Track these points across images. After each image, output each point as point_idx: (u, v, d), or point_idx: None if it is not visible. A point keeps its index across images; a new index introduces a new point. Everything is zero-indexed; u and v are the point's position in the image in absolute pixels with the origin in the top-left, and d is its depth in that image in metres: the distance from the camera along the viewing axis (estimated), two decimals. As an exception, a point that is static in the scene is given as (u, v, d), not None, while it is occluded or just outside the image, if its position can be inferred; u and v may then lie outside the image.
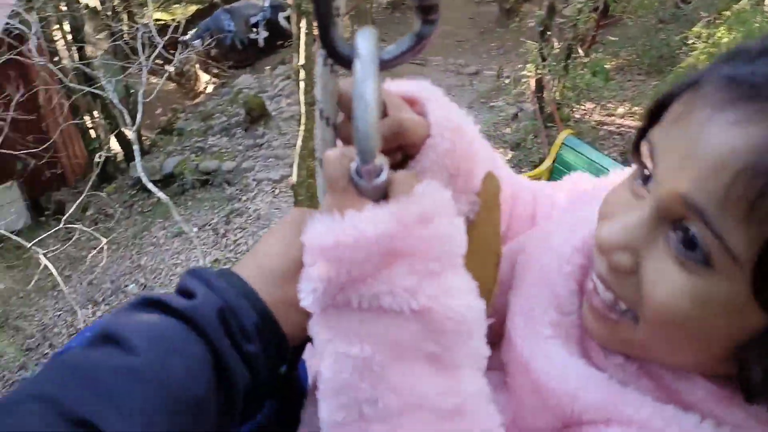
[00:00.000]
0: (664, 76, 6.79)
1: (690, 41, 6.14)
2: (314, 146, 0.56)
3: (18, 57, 6.01)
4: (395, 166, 0.59)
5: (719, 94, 0.44)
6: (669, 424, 0.48)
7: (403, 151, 0.60)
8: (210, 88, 11.80)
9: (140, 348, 0.45)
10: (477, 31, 11.17)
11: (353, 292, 0.46)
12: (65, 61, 7.95)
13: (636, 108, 6.67)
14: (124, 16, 9.71)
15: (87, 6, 10.62)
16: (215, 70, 11.72)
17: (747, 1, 5.61)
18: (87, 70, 6.58)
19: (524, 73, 7.04)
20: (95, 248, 6.98)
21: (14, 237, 4.27)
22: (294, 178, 3.07)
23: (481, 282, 0.50)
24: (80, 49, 7.84)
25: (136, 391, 0.43)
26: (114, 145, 8.93)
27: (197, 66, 12.09)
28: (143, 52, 5.22)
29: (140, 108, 4.92)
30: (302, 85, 2.73)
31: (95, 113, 8.77)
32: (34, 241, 4.47)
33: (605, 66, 6.23)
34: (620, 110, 6.94)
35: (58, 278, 4.16)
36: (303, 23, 2.61)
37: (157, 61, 5.59)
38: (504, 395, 0.59)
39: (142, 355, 0.45)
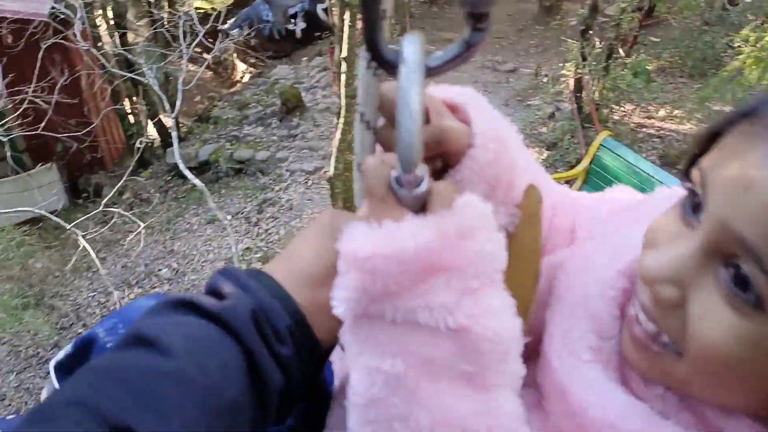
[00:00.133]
0: (707, 79, 6.62)
1: (736, 45, 5.97)
2: (354, 149, 0.55)
3: (62, 41, 6.13)
4: (434, 174, 0.58)
5: None
6: None
7: (443, 159, 0.59)
8: (246, 78, 11.90)
9: (175, 350, 0.45)
10: (515, 28, 11.03)
11: (388, 305, 0.45)
12: (107, 47, 8.09)
13: (677, 111, 6.52)
14: (165, 4, 9.84)
15: (130, -8, 10.79)
16: (252, 60, 11.81)
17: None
18: (129, 56, 6.69)
19: (563, 72, 6.94)
20: (130, 231, 7.12)
21: (54, 218, 4.37)
22: (331, 171, 3.07)
23: (519, 299, 0.49)
24: (122, 36, 7.97)
25: (173, 394, 0.43)
26: (151, 131, 9.07)
27: (234, 55, 12.20)
28: (184, 40, 5.28)
29: (179, 95, 4.99)
30: (343, 77, 2.73)
31: (134, 99, 8.91)
32: (74, 222, 4.56)
33: (647, 67, 6.10)
34: (661, 113, 6.80)
35: (96, 261, 4.25)
36: (347, 15, 2.60)
37: (196, 49, 5.66)
38: (537, 415, 0.58)
39: (178, 358, 0.45)
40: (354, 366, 0.47)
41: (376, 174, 0.47)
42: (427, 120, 0.55)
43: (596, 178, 5.60)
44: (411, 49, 0.46)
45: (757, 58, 5.15)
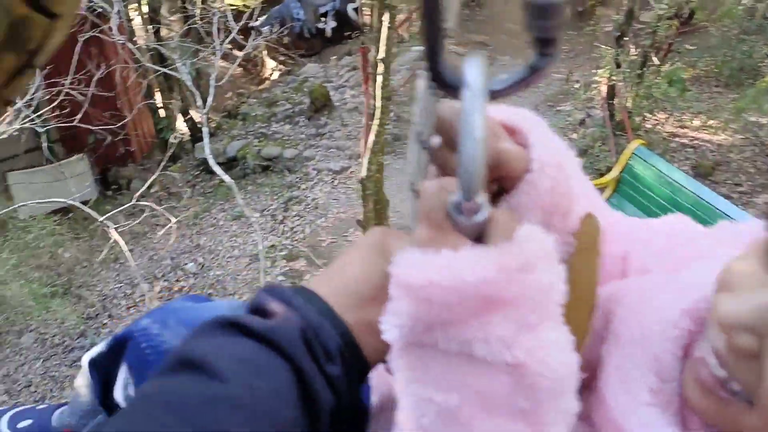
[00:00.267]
0: (744, 89, 6.50)
1: (776, 55, 5.86)
2: (408, 169, 0.55)
3: (99, 35, 6.21)
4: (489, 199, 0.57)
5: None
6: None
7: (498, 183, 0.58)
8: (275, 75, 11.97)
9: (226, 374, 0.44)
10: (547, 32, 10.93)
11: (442, 335, 0.44)
12: (141, 41, 8.18)
13: (712, 121, 6.41)
14: (198, 0, 9.93)
15: (165, -12, 10.91)
16: (281, 58, 11.87)
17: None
18: (164, 51, 6.77)
19: (595, 78, 6.86)
20: (157, 225, 7.21)
21: (88, 210, 4.43)
22: (363, 172, 3.07)
23: (574, 332, 0.48)
24: (156, 31, 8.06)
25: (228, 419, 0.43)
26: (180, 125, 9.17)
27: (264, 52, 12.28)
28: (218, 36, 5.33)
29: (212, 91, 5.03)
30: (380, 79, 2.72)
31: (166, 93, 9.01)
32: (106, 215, 4.62)
33: (682, 75, 6.00)
34: (695, 122, 6.68)
35: (128, 253, 4.30)
36: (386, 17, 2.59)
37: (227, 46, 5.70)
38: None
39: (230, 382, 0.44)
40: (404, 393, 0.46)
41: (434, 199, 0.46)
42: None
43: (627, 188, 5.52)
44: (474, 72, 0.45)
45: (797, 69, 5.03)
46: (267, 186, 7.63)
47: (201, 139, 7.84)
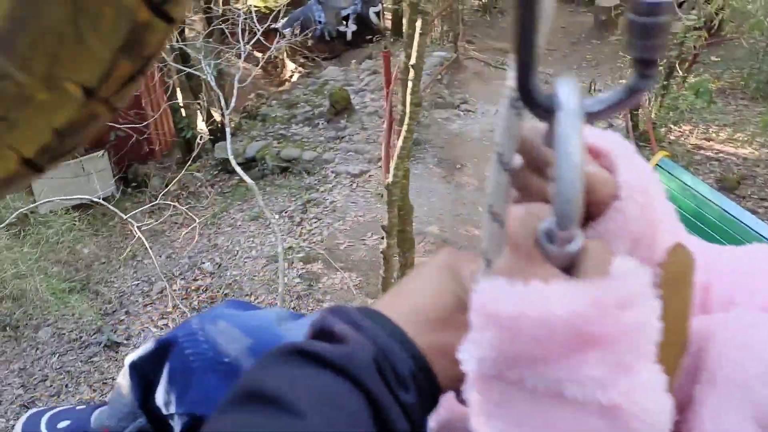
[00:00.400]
0: (771, 103, 6.43)
1: (805, 69, 5.77)
2: (488, 191, 0.52)
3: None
4: None
5: None
6: None
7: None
8: (295, 77, 12.01)
9: (302, 408, 0.43)
10: (569, 41, 10.89)
11: (529, 371, 0.41)
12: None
13: (738, 135, 6.33)
14: (221, 0, 9.99)
15: (188, -12, 10.97)
16: (301, 60, 11.91)
17: None
18: (189, 51, 6.80)
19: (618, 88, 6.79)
20: (175, 223, 7.24)
21: (111, 207, 4.45)
22: (390, 178, 3.05)
23: (665, 370, 0.45)
24: (181, 31, 8.11)
25: None
26: (200, 125, 9.21)
27: (285, 54, 12.33)
28: (243, 38, 5.34)
29: (235, 92, 5.04)
30: (410, 84, 2.70)
31: (187, 93, 9.06)
32: (131, 213, 4.65)
33: (709, 87, 5.94)
34: (721, 135, 6.60)
35: (150, 251, 4.32)
36: (419, 23, 2.57)
37: (249, 47, 5.72)
38: None
39: (306, 416, 0.42)
40: (483, 427, 0.44)
41: (523, 225, 0.44)
42: None
43: (650, 199, 5.46)
44: (568, 93, 0.42)
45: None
46: (285, 187, 7.63)
47: (220, 139, 7.88)
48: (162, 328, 6.26)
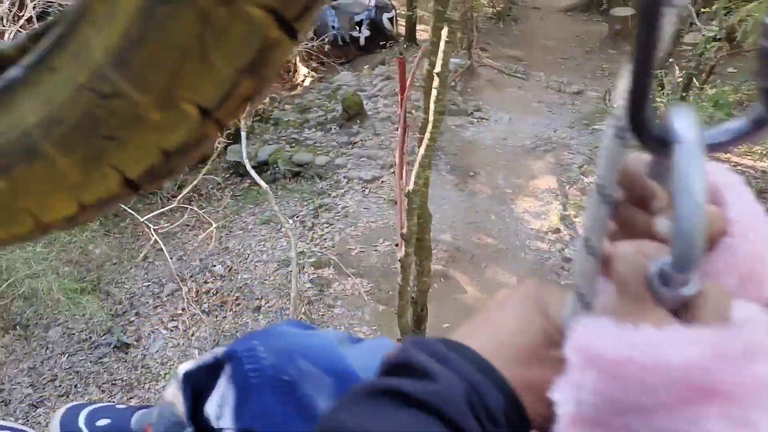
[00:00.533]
0: (789, 115, 6.36)
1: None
2: (585, 224, 0.49)
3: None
4: None
5: None
6: None
7: None
8: (307, 81, 12.02)
9: None
10: (583, 50, 10.86)
11: (639, 422, 0.38)
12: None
13: (757, 148, 6.28)
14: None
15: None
16: (314, 64, 11.93)
17: None
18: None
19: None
20: (187, 225, 7.23)
21: (129, 210, 4.45)
22: (411, 186, 3.03)
23: None
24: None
25: None
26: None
27: (297, 58, 12.35)
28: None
29: (251, 96, 5.03)
30: (434, 92, 2.67)
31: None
32: (147, 216, 4.64)
33: (728, 99, 5.90)
34: (739, 148, 6.56)
35: (167, 254, 4.30)
36: (444, 30, 2.55)
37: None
38: None
39: None
40: None
41: (633, 265, 0.41)
42: None
43: (667, 211, 5.42)
44: (687, 123, 0.39)
45: None
46: (297, 192, 7.62)
47: (233, 142, 7.87)
48: (172, 330, 6.25)
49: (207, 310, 6.29)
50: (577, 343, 0.40)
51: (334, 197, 7.37)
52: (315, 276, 6.37)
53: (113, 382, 5.90)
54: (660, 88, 5.77)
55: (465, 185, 7.46)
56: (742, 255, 0.49)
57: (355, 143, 8.33)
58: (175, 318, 6.34)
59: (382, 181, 7.50)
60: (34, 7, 4.41)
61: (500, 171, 7.69)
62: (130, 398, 5.66)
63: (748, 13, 6.03)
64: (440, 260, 6.13)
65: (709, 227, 0.48)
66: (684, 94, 5.79)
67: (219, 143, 8.91)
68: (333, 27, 12.17)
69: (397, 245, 6.10)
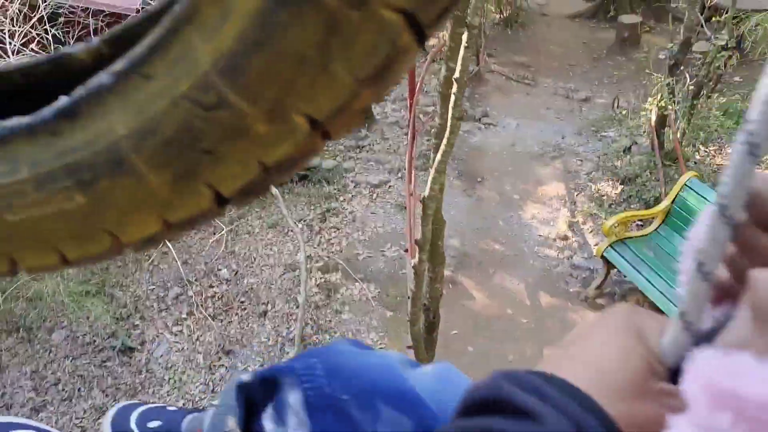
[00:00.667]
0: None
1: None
2: (696, 244, 0.45)
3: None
4: None
5: None
6: None
7: None
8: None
9: None
10: (590, 56, 10.83)
11: None
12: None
13: (765, 156, 6.26)
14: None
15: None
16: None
17: None
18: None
19: (644, 105, 6.74)
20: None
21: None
22: (427, 192, 3.00)
23: None
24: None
25: None
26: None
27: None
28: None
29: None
30: (453, 98, 2.65)
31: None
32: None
33: (738, 107, 5.87)
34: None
35: (176, 258, 4.27)
36: (465, 35, 2.53)
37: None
38: None
39: None
40: None
41: None
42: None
43: (677, 219, 5.40)
44: None
45: None
46: (304, 195, 7.58)
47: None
48: (176, 335, 6.20)
49: (212, 314, 6.25)
50: (701, 377, 0.36)
51: (341, 201, 7.33)
52: (322, 280, 6.34)
53: (117, 386, 5.85)
54: (671, 96, 5.75)
55: (473, 191, 7.43)
56: None
57: (362, 147, 8.30)
58: (179, 322, 6.30)
59: (390, 186, 7.47)
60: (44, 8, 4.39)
61: (508, 177, 7.66)
62: (135, 402, 5.60)
63: (758, 23, 6.02)
64: (448, 266, 6.08)
65: None
66: (694, 102, 5.76)
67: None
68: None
69: (405, 251, 6.07)
